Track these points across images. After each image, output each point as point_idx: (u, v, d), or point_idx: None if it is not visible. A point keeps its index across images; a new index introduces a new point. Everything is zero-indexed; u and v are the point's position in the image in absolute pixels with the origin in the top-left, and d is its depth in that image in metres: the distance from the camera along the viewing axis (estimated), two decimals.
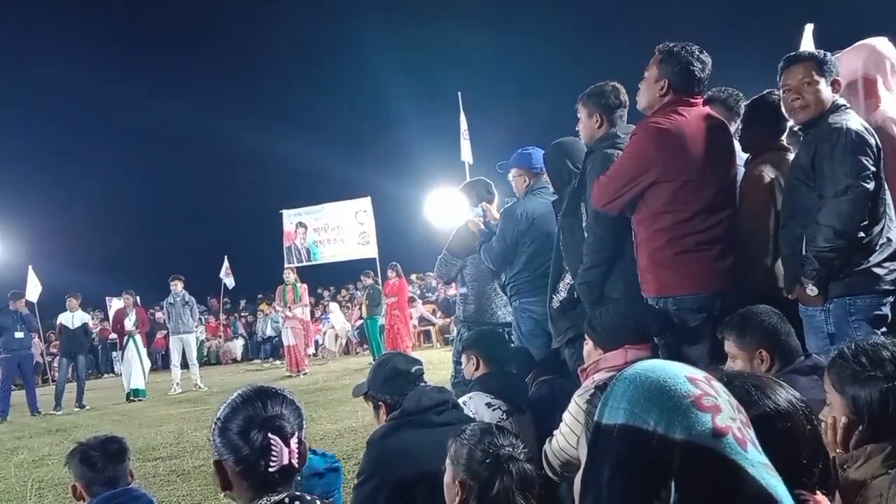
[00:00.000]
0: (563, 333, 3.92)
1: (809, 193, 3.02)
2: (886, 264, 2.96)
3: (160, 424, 8.98)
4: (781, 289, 3.22)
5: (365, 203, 15.91)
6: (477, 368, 3.72)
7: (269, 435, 1.67)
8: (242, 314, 22.56)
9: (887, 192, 3.02)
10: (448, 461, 2.17)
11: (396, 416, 2.78)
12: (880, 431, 1.77)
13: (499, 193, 5.17)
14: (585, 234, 3.64)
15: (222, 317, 21.51)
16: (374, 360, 6.69)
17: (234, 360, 20.40)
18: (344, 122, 26.39)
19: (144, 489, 2.84)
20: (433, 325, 17.77)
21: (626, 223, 3.46)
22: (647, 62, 3.42)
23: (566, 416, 2.88)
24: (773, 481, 0.95)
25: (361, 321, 16.62)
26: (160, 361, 19.08)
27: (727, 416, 0.97)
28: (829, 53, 3.14)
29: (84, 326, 12.75)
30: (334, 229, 16.14)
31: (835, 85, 3.09)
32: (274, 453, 1.67)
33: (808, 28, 4.87)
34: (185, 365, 13.25)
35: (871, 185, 2.90)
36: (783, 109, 3.21)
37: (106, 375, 19.72)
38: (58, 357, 13.49)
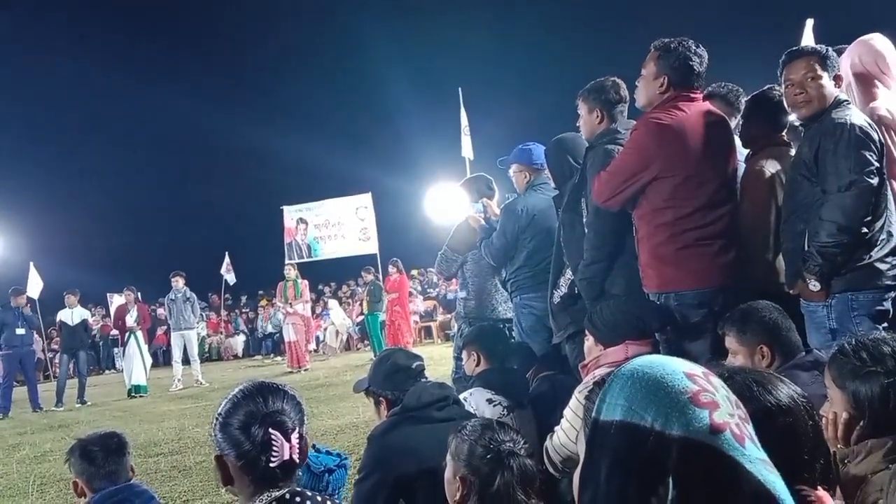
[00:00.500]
0: (564, 329, 3.92)
1: (812, 189, 3.01)
2: (888, 259, 2.96)
3: (161, 420, 9.00)
4: (782, 284, 3.22)
5: (365, 199, 15.91)
6: (478, 364, 3.72)
7: (270, 430, 1.68)
8: (243, 310, 22.57)
9: (888, 187, 3.02)
10: (449, 457, 2.18)
11: (397, 411, 2.78)
12: (881, 426, 1.77)
13: (499, 189, 5.17)
14: (586, 230, 3.64)
15: (223, 313, 21.54)
16: (374, 356, 6.69)
17: (236, 357, 20.42)
18: (345, 118, 26.38)
19: (146, 485, 2.84)
20: (433, 320, 17.79)
21: (626, 219, 3.46)
22: (645, 59, 3.41)
23: (567, 412, 2.88)
24: (771, 478, 0.95)
25: (362, 317, 16.64)
26: (161, 358, 19.10)
27: (725, 412, 0.97)
28: (830, 48, 3.13)
29: (84, 323, 12.79)
30: (335, 225, 16.14)
31: (837, 80, 3.08)
32: (275, 448, 1.68)
33: (809, 23, 4.87)
34: (186, 361, 13.27)
35: (875, 181, 2.90)
36: (785, 104, 3.20)
37: (107, 372, 19.74)
38: (59, 353, 13.51)
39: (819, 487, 1.35)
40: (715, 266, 3.22)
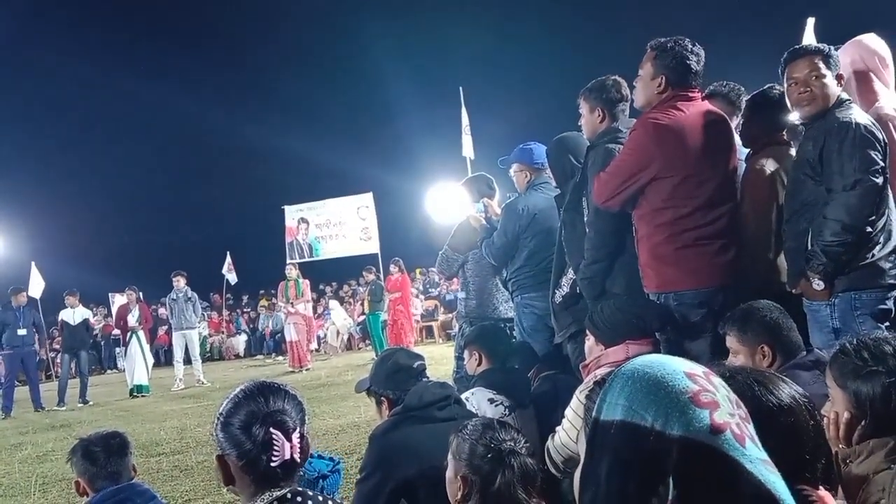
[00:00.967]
0: (566, 329, 3.92)
1: (816, 188, 3.01)
2: (891, 258, 2.96)
3: (163, 420, 9.01)
4: (783, 283, 3.22)
5: (366, 199, 15.91)
6: (479, 364, 3.72)
7: (271, 430, 1.68)
8: (245, 310, 22.58)
9: (889, 186, 3.02)
10: (450, 456, 2.18)
11: (399, 411, 2.78)
12: (883, 426, 1.77)
13: (500, 189, 5.17)
14: (587, 230, 3.64)
15: (225, 313, 21.54)
16: (376, 356, 6.69)
17: (237, 356, 20.43)
18: (346, 118, 26.37)
19: (148, 484, 2.85)
20: (434, 319, 17.78)
21: (626, 218, 3.45)
22: (642, 59, 3.40)
23: (568, 412, 2.88)
24: (771, 478, 0.95)
25: (363, 317, 16.64)
26: (163, 357, 19.11)
27: (725, 412, 0.97)
28: (833, 48, 3.13)
29: (85, 322, 12.81)
30: (336, 225, 16.15)
31: (839, 79, 3.08)
32: (276, 448, 1.68)
33: (810, 22, 4.85)
34: (187, 361, 13.29)
35: (879, 180, 2.90)
36: (788, 102, 3.19)
37: (109, 371, 19.75)
38: (60, 353, 13.53)
39: (821, 487, 1.35)
40: (714, 265, 3.22)
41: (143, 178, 27.68)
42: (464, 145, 11.28)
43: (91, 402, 11.98)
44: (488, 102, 17.95)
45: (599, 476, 0.99)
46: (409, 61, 23.57)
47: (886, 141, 2.98)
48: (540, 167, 4.56)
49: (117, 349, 19.33)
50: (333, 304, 18.76)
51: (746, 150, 3.63)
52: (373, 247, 15.75)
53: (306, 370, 13.53)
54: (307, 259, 16.24)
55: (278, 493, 1.69)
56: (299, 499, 1.71)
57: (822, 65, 3.04)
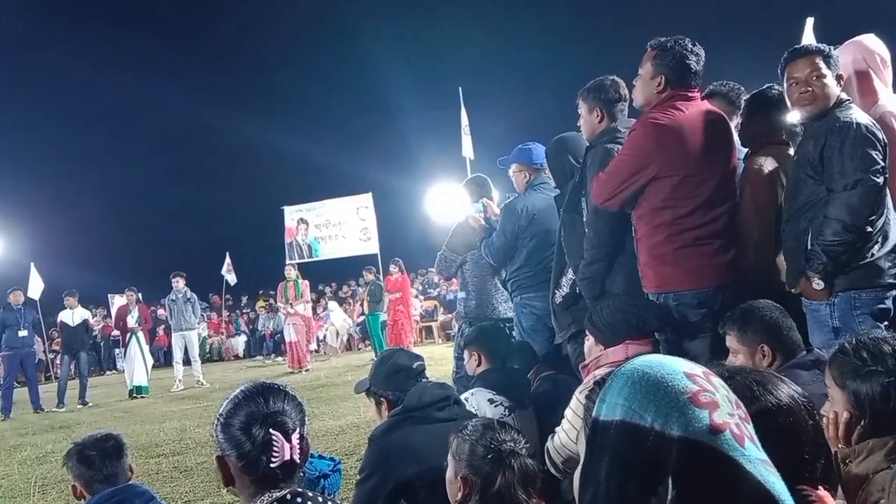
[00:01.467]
0: (566, 329, 3.92)
1: (816, 187, 3.01)
2: (891, 257, 2.96)
3: (163, 421, 9.00)
4: (783, 283, 3.22)
5: (366, 199, 15.91)
6: (479, 364, 3.72)
7: (271, 431, 1.68)
8: (244, 311, 22.58)
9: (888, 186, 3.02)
10: (450, 457, 2.18)
11: (398, 412, 2.78)
12: (882, 426, 1.77)
13: (499, 189, 5.17)
14: (586, 230, 3.64)
15: (224, 313, 21.53)
16: (375, 357, 6.69)
17: (237, 357, 20.43)
18: (345, 118, 26.39)
19: (147, 485, 2.84)
20: (434, 319, 17.79)
21: (625, 218, 3.45)
22: (642, 58, 3.40)
23: (568, 412, 2.88)
24: (771, 478, 0.95)
25: (363, 317, 16.64)
26: (162, 358, 19.10)
27: (725, 412, 0.97)
28: (833, 48, 3.13)
29: (84, 323, 12.80)
30: (335, 225, 16.14)
31: (838, 79, 3.08)
32: (275, 449, 1.68)
33: (809, 22, 4.86)
34: (187, 362, 13.29)
35: (880, 180, 2.91)
36: (788, 102, 3.19)
37: (108, 372, 19.73)
38: (59, 354, 13.52)
39: (820, 487, 1.35)
40: (714, 265, 3.22)
41: (142, 179, 27.70)
42: (463, 145, 11.27)
43: (90, 404, 11.98)
44: (488, 102, 17.98)
45: (599, 476, 0.99)
46: (408, 61, 23.59)
47: (886, 141, 2.98)
48: (539, 167, 4.57)
49: (117, 350, 19.32)
50: (332, 305, 18.77)
51: (745, 150, 3.63)
52: (372, 247, 15.75)
53: (306, 371, 13.52)
54: (306, 260, 16.24)
55: (278, 494, 1.69)
56: (299, 500, 1.71)
57: (822, 65, 3.04)
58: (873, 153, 2.90)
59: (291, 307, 13.99)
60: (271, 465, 1.68)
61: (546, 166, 4.45)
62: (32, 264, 14.64)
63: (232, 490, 1.76)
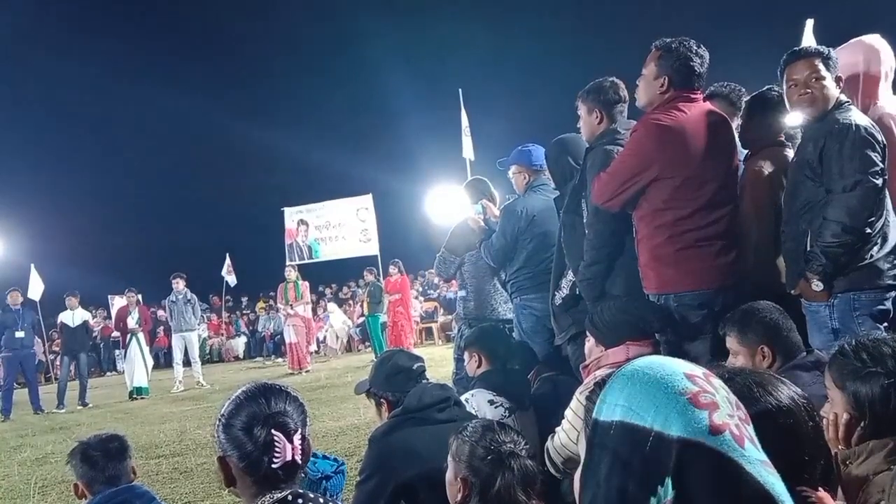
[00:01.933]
0: (566, 330, 3.92)
1: (815, 189, 3.01)
2: (890, 259, 2.96)
3: (163, 422, 9.00)
4: (783, 284, 3.22)
5: (366, 200, 15.90)
6: (479, 365, 3.72)
7: (273, 431, 1.69)
8: (244, 312, 22.58)
9: (887, 188, 3.02)
10: (450, 458, 2.18)
11: (398, 413, 2.78)
12: (882, 427, 1.77)
13: (499, 190, 5.18)
14: (586, 231, 3.64)
15: (224, 315, 21.53)
16: (375, 358, 6.69)
17: (237, 358, 20.42)
18: (345, 120, 26.38)
19: (147, 487, 2.84)
20: (434, 321, 17.78)
21: (625, 219, 3.45)
22: (646, 58, 3.41)
23: (568, 412, 2.88)
24: (770, 479, 0.95)
25: (363, 318, 16.63)
26: (162, 359, 19.10)
27: (725, 413, 0.97)
28: (832, 49, 3.14)
29: (85, 324, 12.80)
30: (335, 227, 16.14)
31: (837, 81, 3.09)
32: (277, 450, 1.68)
33: (809, 23, 4.86)
34: (187, 363, 13.29)
35: (879, 181, 2.91)
36: (787, 104, 3.20)
37: (108, 373, 19.74)
38: (59, 355, 13.52)
39: (820, 488, 1.35)
40: (715, 267, 3.22)
41: (142, 181, 27.70)
42: (463, 147, 11.28)
43: (90, 405, 11.98)
44: (488, 104, 17.94)
45: (599, 477, 0.99)
46: (408, 63, 23.59)
47: (885, 143, 2.99)
48: (539, 169, 4.57)
49: (117, 351, 19.33)
50: (332, 306, 18.76)
51: (745, 152, 3.64)
52: (372, 249, 15.75)
53: (306, 372, 13.52)
54: (306, 261, 16.23)
55: (279, 495, 1.69)
56: (300, 501, 1.71)
57: (821, 67, 3.04)
58: (872, 155, 2.90)
59: (291, 308, 13.99)
60: (273, 466, 1.68)
61: (546, 168, 4.45)
62: (32, 265, 14.64)
63: (233, 491, 1.77)
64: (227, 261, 19.54)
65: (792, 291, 3.12)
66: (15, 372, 11.87)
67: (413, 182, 16.64)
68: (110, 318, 19.48)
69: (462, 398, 3.11)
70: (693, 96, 3.33)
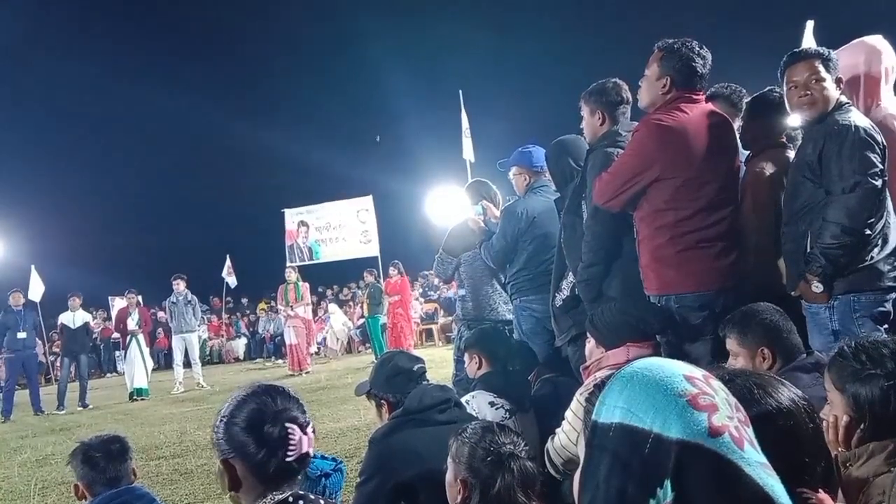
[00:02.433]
0: (566, 332, 3.92)
1: (815, 190, 3.01)
2: (890, 260, 2.96)
3: (163, 423, 9.00)
4: (783, 286, 3.22)
5: (366, 202, 15.92)
6: (480, 367, 3.72)
7: (287, 425, 1.69)
8: (245, 313, 22.58)
9: (887, 189, 3.02)
10: (450, 459, 2.18)
11: (399, 414, 2.78)
12: (882, 429, 1.77)
13: (500, 192, 5.17)
14: (584, 232, 3.64)
15: (224, 316, 21.53)
16: (376, 359, 6.69)
17: (237, 359, 20.42)
18: (345, 121, 26.37)
19: (147, 488, 2.84)
20: (434, 322, 17.78)
21: (623, 221, 3.45)
22: (649, 59, 3.41)
23: (568, 414, 2.88)
24: (770, 481, 0.95)
25: (363, 320, 16.63)
26: (163, 360, 19.11)
27: (724, 414, 0.97)
28: (832, 51, 3.14)
29: (85, 326, 12.80)
30: (336, 228, 16.16)
31: (837, 83, 3.09)
32: (292, 442, 1.68)
33: (809, 25, 4.86)
34: (187, 364, 13.29)
35: (878, 182, 2.91)
36: (787, 105, 3.20)
37: (109, 375, 19.73)
38: (60, 357, 13.52)
39: (820, 490, 1.35)
40: (716, 268, 3.22)
41: (142, 182, 27.70)
42: (464, 148, 11.29)
43: (90, 406, 11.98)
44: (488, 105, 17.95)
45: (598, 478, 0.99)
46: (408, 64, 23.58)
47: (885, 144, 2.99)
48: (539, 170, 4.57)
49: (117, 353, 19.33)
50: (333, 307, 18.76)
51: (746, 153, 3.64)
52: (372, 250, 15.76)
53: (306, 373, 13.52)
54: (307, 262, 16.25)
55: (280, 496, 1.69)
56: (301, 502, 1.70)
57: (821, 68, 3.05)
58: (872, 156, 2.90)
59: (292, 310, 13.99)
60: (287, 459, 1.68)
61: (546, 169, 4.45)
62: (33, 266, 14.64)
63: (234, 497, 1.75)
64: (228, 262, 19.55)
65: (792, 293, 3.12)
66: (17, 373, 11.88)
67: (413, 183, 16.67)
68: (110, 319, 19.49)
69: (463, 400, 3.10)
70: (695, 97, 3.33)
